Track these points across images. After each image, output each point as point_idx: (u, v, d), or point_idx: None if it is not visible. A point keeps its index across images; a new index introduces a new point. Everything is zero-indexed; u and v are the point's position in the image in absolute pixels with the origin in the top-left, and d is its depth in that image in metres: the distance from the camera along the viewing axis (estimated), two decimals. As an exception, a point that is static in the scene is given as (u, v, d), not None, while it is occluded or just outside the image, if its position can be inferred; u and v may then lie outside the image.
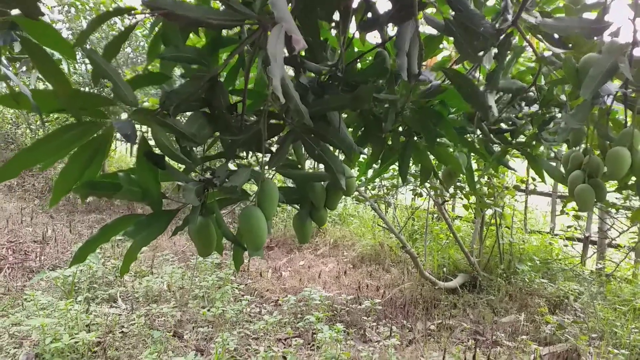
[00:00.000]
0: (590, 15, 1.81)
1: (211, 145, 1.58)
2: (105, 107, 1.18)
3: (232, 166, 1.40)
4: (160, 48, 1.59)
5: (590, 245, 6.62)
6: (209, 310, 4.87)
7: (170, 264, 6.34)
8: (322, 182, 1.50)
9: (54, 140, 1.13)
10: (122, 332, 4.38)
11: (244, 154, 1.58)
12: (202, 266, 6.15)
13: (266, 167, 1.39)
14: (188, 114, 1.36)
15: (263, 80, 1.89)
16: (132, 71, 7.85)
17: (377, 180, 5.63)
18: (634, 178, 1.58)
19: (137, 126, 1.15)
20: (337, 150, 1.51)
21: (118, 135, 1.23)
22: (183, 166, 1.34)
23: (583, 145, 1.71)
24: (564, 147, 2.60)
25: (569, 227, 6.21)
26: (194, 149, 1.38)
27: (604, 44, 1.55)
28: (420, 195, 6.51)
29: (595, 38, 1.62)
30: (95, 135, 1.18)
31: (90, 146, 1.18)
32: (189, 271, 5.98)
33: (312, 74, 1.73)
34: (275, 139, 1.56)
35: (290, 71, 2.02)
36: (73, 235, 7.56)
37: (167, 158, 1.23)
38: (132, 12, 1.13)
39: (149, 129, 1.20)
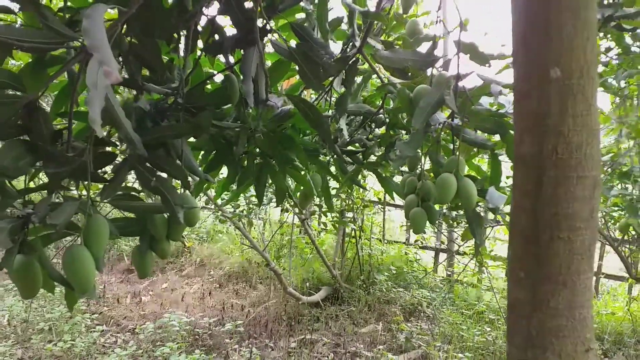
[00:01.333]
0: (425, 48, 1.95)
1: (34, 175, 1.43)
2: None
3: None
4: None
5: (441, 253, 7.18)
6: (55, 344, 4.43)
7: (14, 294, 5.67)
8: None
9: None
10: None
11: (73, 184, 1.46)
12: (50, 295, 5.59)
13: (98, 199, 1.29)
14: None
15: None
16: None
17: (243, 198, 5.57)
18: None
19: None
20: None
21: None
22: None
23: (418, 170, 1.82)
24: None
25: (416, 240, 6.68)
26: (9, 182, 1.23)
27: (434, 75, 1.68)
28: (287, 210, 6.57)
29: (427, 70, 1.75)
30: None
31: None
32: (35, 301, 5.40)
33: (158, 96, 1.66)
34: (110, 167, 1.46)
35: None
36: None
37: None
38: None
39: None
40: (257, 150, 2.12)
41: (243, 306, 5.94)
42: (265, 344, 4.91)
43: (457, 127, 1.61)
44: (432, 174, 1.90)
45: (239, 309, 5.90)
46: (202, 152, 2.12)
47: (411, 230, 7.72)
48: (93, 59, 0.95)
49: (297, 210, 5.64)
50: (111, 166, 1.43)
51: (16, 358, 4.23)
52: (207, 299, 6.21)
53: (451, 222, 4.36)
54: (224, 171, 2.26)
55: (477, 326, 5.30)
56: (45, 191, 1.31)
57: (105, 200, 1.31)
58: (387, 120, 2.55)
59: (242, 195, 4.46)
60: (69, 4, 1.52)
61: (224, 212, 5.47)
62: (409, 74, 2.07)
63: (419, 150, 1.75)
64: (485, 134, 1.77)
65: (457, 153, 1.63)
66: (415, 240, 6.63)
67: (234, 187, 2.28)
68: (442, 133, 1.83)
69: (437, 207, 1.80)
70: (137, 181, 1.37)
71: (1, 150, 1.17)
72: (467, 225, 4.42)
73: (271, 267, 5.38)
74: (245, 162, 2.15)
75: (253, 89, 1.60)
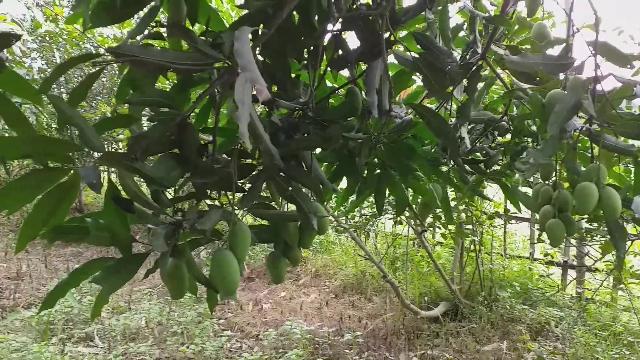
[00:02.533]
0: (554, 52, 1.86)
1: (182, 185, 1.57)
2: (73, 152, 1.17)
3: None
4: (128, 90, 1.59)
5: (569, 269, 6.68)
6: (188, 347, 4.76)
7: (149, 299, 6.21)
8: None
9: (18, 186, 1.11)
10: (98, 373, 4.26)
11: (216, 193, 1.58)
12: (180, 301, 6.04)
13: (237, 208, 1.38)
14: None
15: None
16: (106, 103, 7.81)
17: (357, 210, 5.63)
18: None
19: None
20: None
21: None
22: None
23: (553, 179, 1.73)
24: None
25: (546, 255, 6.27)
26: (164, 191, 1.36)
27: (568, 79, 1.60)
28: (401, 222, 6.53)
29: (559, 74, 1.67)
30: (61, 180, 1.17)
31: (56, 192, 1.16)
32: (168, 306, 5.86)
33: (285, 111, 1.75)
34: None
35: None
36: (49, 270, 7.38)
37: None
38: (99, 58, 1.13)
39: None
40: (376, 160, 2.15)
41: (360, 318, 5.97)
42: (385, 357, 4.89)
43: (597, 133, 1.51)
44: (566, 184, 1.79)
45: (355, 320, 5.94)
46: (326, 164, 2.19)
47: (535, 245, 7.30)
48: (240, 78, 1.03)
49: (412, 222, 5.57)
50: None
51: (154, 358, 4.61)
52: (324, 309, 6.32)
53: (584, 234, 4.05)
54: (342, 182, 2.31)
55: (614, 349, 4.86)
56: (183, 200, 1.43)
57: (244, 209, 1.40)
58: (511, 127, 2.46)
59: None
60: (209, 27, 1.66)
61: (340, 223, 5.55)
62: (537, 78, 1.98)
63: (553, 158, 1.67)
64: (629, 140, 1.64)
65: (597, 160, 1.52)
66: (546, 255, 6.20)
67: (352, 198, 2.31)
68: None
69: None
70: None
71: (156, 163, 1.31)
72: (602, 238, 4.08)
73: (388, 279, 5.35)
74: (365, 173, 2.18)
75: (377, 100, 1.63)
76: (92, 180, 0.99)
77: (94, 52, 7.71)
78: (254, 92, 1.11)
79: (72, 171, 1.15)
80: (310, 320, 5.93)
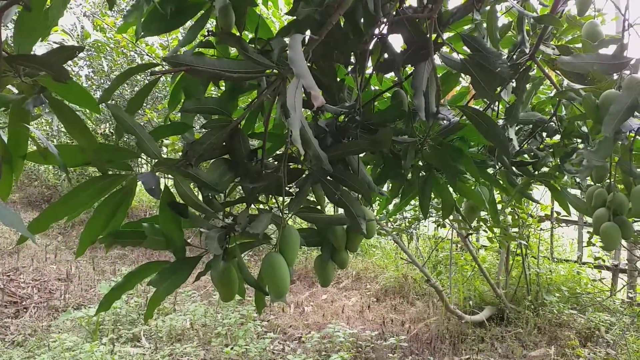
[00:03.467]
0: (608, 51, 1.81)
1: (231, 190, 1.60)
2: (130, 159, 1.21)
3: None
4: (180, 97, 1.64)
5: (620, 274, 6.43)
6: (232, 348, 4.84)
7: (193, 300, 6.33)
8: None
9: (81, 193, 1.16)
10: (146, 372, 4.37)
11: (264, 197, 1.60)
12: (223, 304, 6.14)
13: (286, 211, 1.40)
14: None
15: (281, 122, 1.92)
16: (152, 110, 8.02)
17: (399, 213, 5.60)
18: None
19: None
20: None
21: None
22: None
23: (607, 181, 1.68)
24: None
25: (596, 258, 6.05)
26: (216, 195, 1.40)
27: (623, 79, 1.55)
28: (444, 225, 6.46)
29: (613, 74, 1.62)
30: (119, 186, 1.21)
31: (114, 197, 1.20)
32: (212, 308, 5.97)
33: (329, 115, 1.76)
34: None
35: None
36: (96, 272, 7.62)
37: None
38: (155, 68, 1.16)
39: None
40: (420, 163, 2.13)
41: (403, 322, 5.92)
42: (428, 361, 4.85)
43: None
44: (621, 186, 1.74)
45: (398, 324, 5.90)
46: (370, 167, 2.19)
47: (584, 249, 7.07)
48: (291, 84, 1.05)
49: (455, 225, 5.50)
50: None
51: (200, 359, 4.70)
52: (366, 312, 6.30)
53: (638, 237, 3.90)
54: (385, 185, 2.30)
55: (670, 357, 4.66)
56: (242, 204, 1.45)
57: (292, 212, 1.42)
58: (560, 128, 2.40)
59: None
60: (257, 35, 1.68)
61: (383, 227, 5.53)
62: (589, 78, 1.93)
63: (607, 160, 1.62)
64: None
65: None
66: (596, 259, 5.99)
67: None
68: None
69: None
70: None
71: (209, 169, 1.34)
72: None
73: (431, 283, 5.29)
74: (410, 176, 2.17)
75: (424, 103, 1.62)
76: (152, 186, 1.03)
77: (138, 59, 7.96)
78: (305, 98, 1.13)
79: (129, 177, 1.20)
80: (352, 323, 5.92)
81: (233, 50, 1.82)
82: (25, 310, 6.09)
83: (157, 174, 1.16)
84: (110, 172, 1.17)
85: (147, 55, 7.32)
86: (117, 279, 6.86)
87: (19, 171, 1.21)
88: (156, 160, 1.17)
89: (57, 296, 6.55)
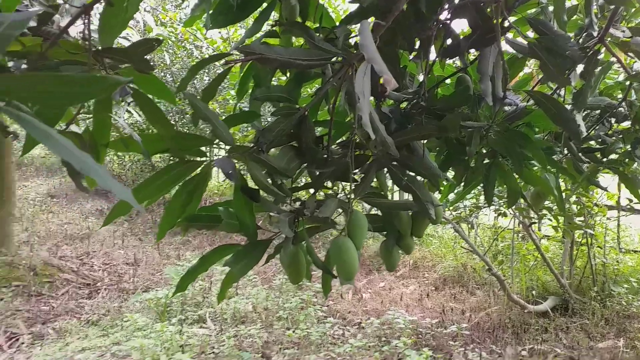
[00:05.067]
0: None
1: (297, 177, 1.64)
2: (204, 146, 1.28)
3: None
4: (247, 87, 1.69)
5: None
6: (294, 331, 4.95)
7: (254, 285, 6.50)
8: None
9: (159, 179, 1.23)
10: (213, 352, 4.54)
11: (329, 183, 1.63)
12: (283, 287, 6.27)
13: (352, 197, 1.43)
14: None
15: (344, 110, 1.95)
16: (213, 101, 8.24)
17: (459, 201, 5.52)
18: None
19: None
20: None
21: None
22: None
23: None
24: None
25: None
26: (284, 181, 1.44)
27: None
28: (504, 215, 6.32)
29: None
30: (195, 172, 1.28)
31: (191, 183, 1.27)
32: (272, 292, 6.11)
33: (392, 102, 1.77)
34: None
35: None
36: (161, 257, 7.93)
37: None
38: (227, 57, 1.22)
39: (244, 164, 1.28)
40: (484, 150, 2.10)
41: (463, 310, 5.86)
42: (491, 350, 4.78)
43: None
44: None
45: (458, 312, 5.84)
46: (433, 153, 2.18)
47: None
48: (359, 71, 1.07)
49: (518, 213, 5.36)
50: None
51: (263, 340, 4.84)
52: (425, 300, 6.28)
53: None
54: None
55: None
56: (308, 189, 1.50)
57: (357, 198, 1.45)
58: (630, 113, 2.30)
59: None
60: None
61: (443, 215, 5.47)
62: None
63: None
64: None
65: None
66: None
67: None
68: None
69: None
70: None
71: (278, 155, 1.39)
72: None
73: (493, 272, 5.20)
74: (473, 162, 2.14)
75: (490, 88, 1.60)
76: (229, 170, 1.08)
77: (196, 52, 8.18)
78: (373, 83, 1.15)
79: (205, 163, 1.26)
80: (412, 311, 5.91)
81: (295, 42, 1.86)
82: (97, 292, 6.45)
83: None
84: (187, 159, 1.23)
85: (205, 46, 7.51)
86: (182, 263, 7.12)
87: (102, 159, 1.29)
88: (230, 147, 1.23)
89: (126, 279, 6.88)
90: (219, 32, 7.82)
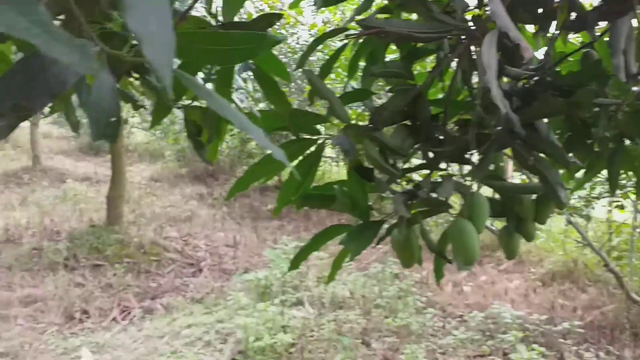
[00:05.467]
0: None
1: (411, 155, 1.59)
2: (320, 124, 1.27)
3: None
4: (357, 66, 1.66)
5: None
6: (393, 320, 4.91)
7: (349, 272, 6.49)
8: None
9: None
10: (313, 335, 4.62)
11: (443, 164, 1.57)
12: (379, 275, 6.19)
13: (469, 179, 1.35)
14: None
15: (457, 88, 1.86)
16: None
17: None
18: None
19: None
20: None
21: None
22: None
23: None
24: None
25: None
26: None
27: None
28: (622, 207, 5.82)
29: None
30: (310, 150, 1.27)
31: (306, 161, 1.27)
32: (369, 280, 6.07)
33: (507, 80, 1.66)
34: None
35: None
36: (259, 240, 8.15)
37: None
38: (345, 32, 1.19)
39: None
40: (607, 134, 1.92)
41: (574, 308, 5.50)
42: (607, 351, 4.44)
43: None
44: None
45: (568, 310, 5.48)
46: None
47: None
48: (485, 43, 1.00)
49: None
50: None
51: (362, 327, 4.85)
52: (531, 296, 5.96)
53: None
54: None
55: None
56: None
57: (476, 180, 1.37)
58: None
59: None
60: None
61: (553, 206, 5.13)
62: None
63: None
64: None
65: None
66: None
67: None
68: None
69: None
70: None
71: (393, 134, 1.35)
72: None
73: (610, 268, 4.82)
74: (596, 146, 1.97)
75: (623, 63, 1.45)
76: (347, 147, 1.06)
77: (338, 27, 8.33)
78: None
79: (319, 140, 1.25)
80: (517, 306, 5.62)
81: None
82: (200, 271, 6.79)
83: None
84: (303, 137, 1.23)
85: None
86: (278, 246, 7.24)
87: (223, 134, 1.32)
88: (345, 125, 1.21)
89: (227, 260, 7.17)
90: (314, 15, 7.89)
